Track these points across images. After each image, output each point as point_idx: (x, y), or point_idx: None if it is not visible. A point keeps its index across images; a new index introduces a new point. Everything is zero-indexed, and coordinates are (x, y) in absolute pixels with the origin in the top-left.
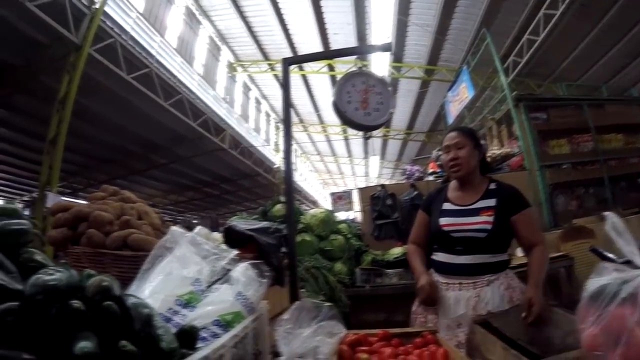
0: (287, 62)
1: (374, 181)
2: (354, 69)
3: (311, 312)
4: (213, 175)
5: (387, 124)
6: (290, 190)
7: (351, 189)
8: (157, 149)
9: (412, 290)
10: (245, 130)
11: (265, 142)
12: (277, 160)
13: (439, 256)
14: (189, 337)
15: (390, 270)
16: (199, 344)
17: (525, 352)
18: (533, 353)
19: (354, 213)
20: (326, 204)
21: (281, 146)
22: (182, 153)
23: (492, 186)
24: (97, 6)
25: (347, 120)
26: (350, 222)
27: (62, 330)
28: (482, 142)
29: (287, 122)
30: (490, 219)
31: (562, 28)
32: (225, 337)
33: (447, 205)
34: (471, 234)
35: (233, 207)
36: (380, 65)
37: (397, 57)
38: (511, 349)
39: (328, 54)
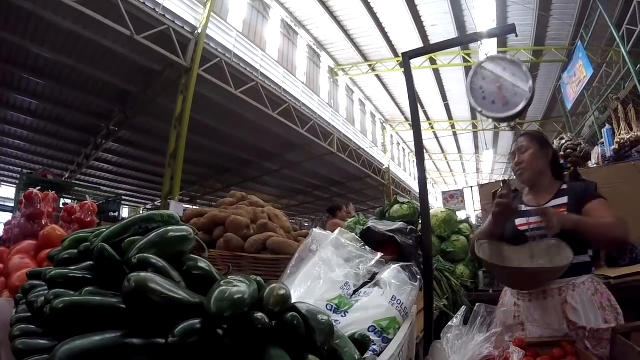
0: (407, 57)
1: (486, 177)
2: (481, 58)
3: (482, 317)
4: (323, 179)
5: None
6: (425, 188)
7: (463, 188)
8: (269, 157)
9: None
10: (352, 132)
11: (373, 143)
12: (385, 161)
13: None
14: (361, 347)
15: None
16: None
17: None
18: None
19: (468, 212)
20: (437, 203)
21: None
22: (293, 159)
23: (564, 187)
24: (199, 31)
25: (489, 117)
26: (472, 222)
27: (246, 348)
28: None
29: (415, 119)
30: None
31: None
32: (393, 347)
33: (521, 207)
34: (548, 232)
35: None
36: (486, 52)
37: (501, 41)
38: None
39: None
